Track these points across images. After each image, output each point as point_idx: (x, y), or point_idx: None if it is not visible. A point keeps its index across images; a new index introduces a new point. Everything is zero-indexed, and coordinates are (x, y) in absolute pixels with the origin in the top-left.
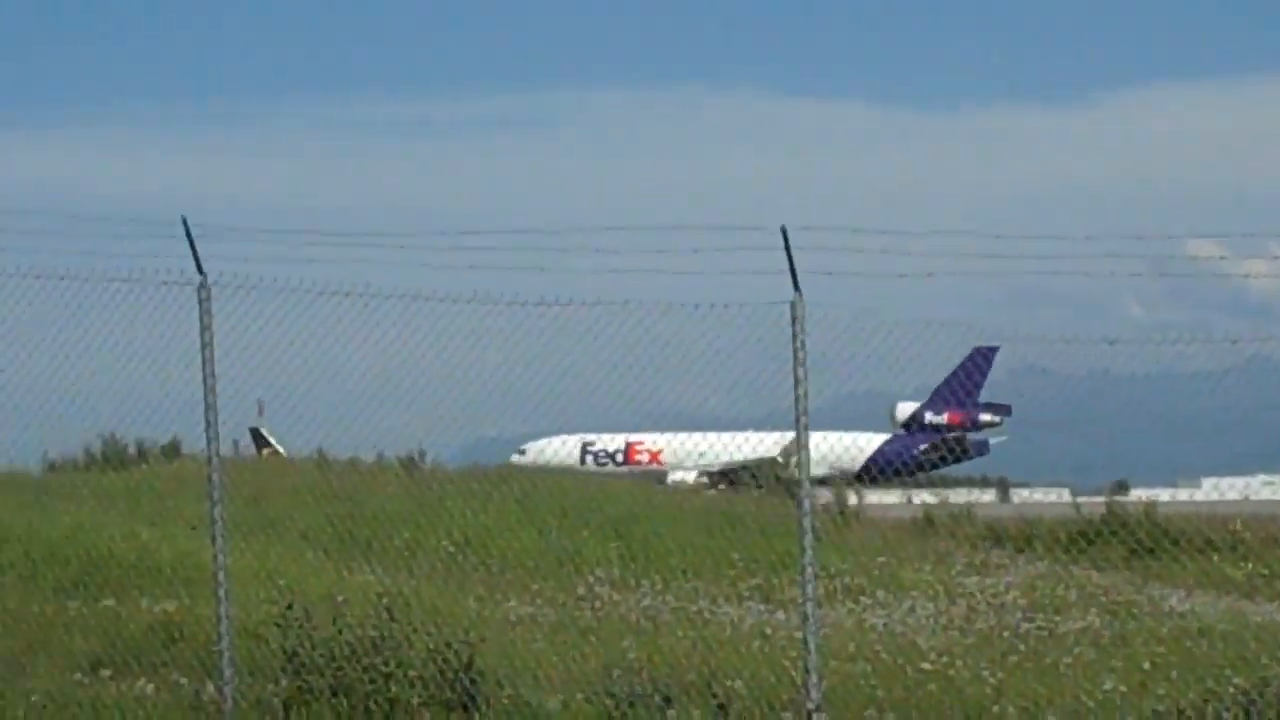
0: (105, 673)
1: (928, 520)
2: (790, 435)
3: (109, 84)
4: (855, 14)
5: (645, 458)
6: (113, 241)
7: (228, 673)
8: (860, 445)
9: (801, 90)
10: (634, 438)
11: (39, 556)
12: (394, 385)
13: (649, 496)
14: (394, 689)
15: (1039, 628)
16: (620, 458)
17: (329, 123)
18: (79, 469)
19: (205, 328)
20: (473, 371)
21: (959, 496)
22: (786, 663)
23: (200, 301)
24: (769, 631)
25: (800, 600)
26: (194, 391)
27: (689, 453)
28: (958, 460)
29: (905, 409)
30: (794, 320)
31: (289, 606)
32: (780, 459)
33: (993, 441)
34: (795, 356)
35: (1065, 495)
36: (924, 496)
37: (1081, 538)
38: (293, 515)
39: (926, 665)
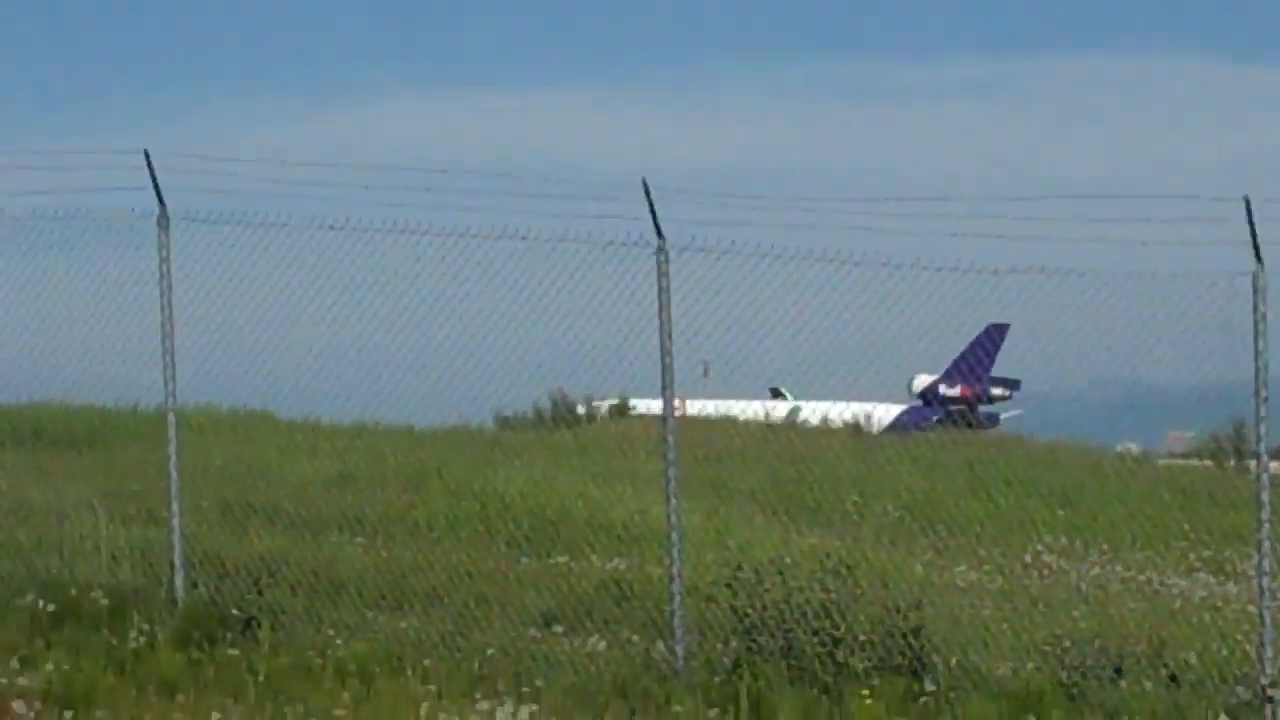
0: (558, 628)
1: None
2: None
3: (570, 47)
4: None
5: None
6: (573, 202)
7: (679, 632)
8: (879, 415)
9: (1250, 59)
10: None
11: (493, 512)
12: (839, 346)
13: (1096, 465)
14: (841, 653)
15: None
16: None
17: (780, 85)
18: (530, 426)
19: (662, 290)
20: (895, 332)
21: None
22: (1240, 636)
23: (658, 264)
24: (1220, 604)
25: (1255, 574)
26: (646, 352)
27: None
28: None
29: (922, 381)
30: (1255, 291)
31: (739, 568)
32: None
33: (1004, 416)
34: (1255, 328)
35: None
36: None
37: None
38: (740, 475)
39: None
